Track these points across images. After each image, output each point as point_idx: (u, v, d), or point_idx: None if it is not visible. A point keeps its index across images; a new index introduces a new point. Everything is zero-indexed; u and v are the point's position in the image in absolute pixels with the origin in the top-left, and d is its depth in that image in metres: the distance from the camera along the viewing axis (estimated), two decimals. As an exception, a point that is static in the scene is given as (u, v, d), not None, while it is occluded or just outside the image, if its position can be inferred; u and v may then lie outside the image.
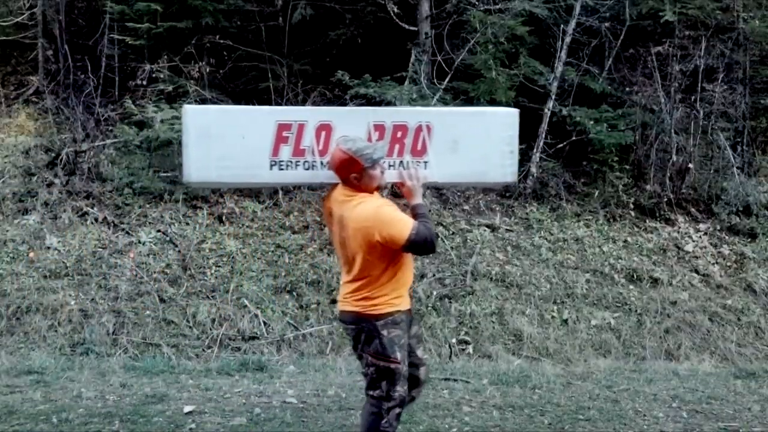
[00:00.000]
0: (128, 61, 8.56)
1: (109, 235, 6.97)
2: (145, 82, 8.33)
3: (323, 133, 3.39)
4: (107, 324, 6.18)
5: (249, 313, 6.43)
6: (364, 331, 3.28)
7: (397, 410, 3.33)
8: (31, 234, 6.89)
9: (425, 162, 3.50)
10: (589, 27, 8.45)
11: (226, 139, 3.34)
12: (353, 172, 3.25)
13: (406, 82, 8.10)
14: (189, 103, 7.84)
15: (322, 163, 3.40)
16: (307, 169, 3.40)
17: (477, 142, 3.55)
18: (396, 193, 3.70)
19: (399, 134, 3.46)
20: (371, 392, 3.34)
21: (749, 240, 8.00)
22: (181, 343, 6.14)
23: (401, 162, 3.47)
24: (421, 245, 3.18)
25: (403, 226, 3.16)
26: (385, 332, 3.25)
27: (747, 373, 6.18)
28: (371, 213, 3.19)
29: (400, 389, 3.32)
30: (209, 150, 3.34)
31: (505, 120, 3.66)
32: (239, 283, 6.67)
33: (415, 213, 3.30)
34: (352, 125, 3.41)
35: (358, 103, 7.79)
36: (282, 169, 3.39)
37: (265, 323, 6.39)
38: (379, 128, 3.45)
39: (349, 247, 3.27)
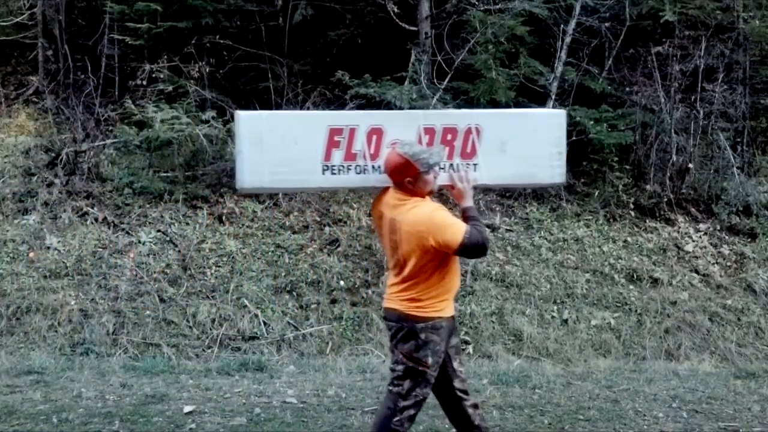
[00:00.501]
0: (128, 61, 8.56)
1: (109, 235, 6.97)
2: (145, 82, 8.33)
3: (374, 137, 3.42)
4: (107, 324, 6.18)
5: (249, 313, 6.43)
6: (403, 330, 3.31)
7: (412, 411, 3.35)
8: (31, 234, 6.89)
9: (475, 164, 3.53)
10: (589, 27, 8.45)
11: (278, 145, 3.37)
12: (408, 176, 3.28)
13: (406, 82, 8.10)
14: (189, 103, 7.86)
15: (373, 167, 3.43)
16: (359, 173, 3.43)
17: (525, 143, 3.58)
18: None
19: (449, 137, 3.49)
20: (392, 388, 3.38)
21: (749, 240, 8.00)
22: (181, 343, 6.14)
23: (451, 164, 3.49)
24: (474, 249, 3.23)
25: (457, 230, 3.19)
26: (423, 335, 3.29)
27: (747, 373, 6.17)
28: (426, 217, 3.22)
29: (420, 392, 3.35)
30: (262, 156, 3.36)
31: (553, 121, 3.70)
32: (239, 283, 6.68)
33: (466, 216, 3.34)
34: (402, 129, 3.44)
35: (357, 104, 7.80)
36: (334, 174, 3.42)
37: (265, 323, 6.39)
38: (429, 131, 3.47)
39: (401, 250, 3.29)
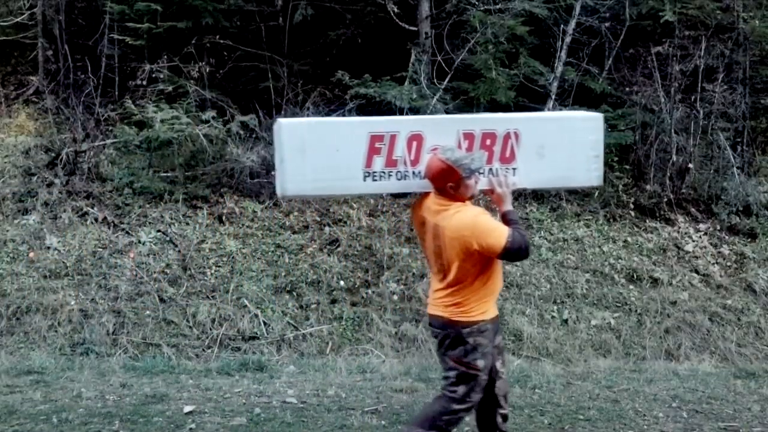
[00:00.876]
0: (128, 61, 8.55)
1: (109, 235, 6.97)
2: (145, 82, 8.33)
3: (414, 144, 3.45)
4: (107, 324, 6.18)
5: (249, 313, 6.43)
6: (450, 337, 3.35)
7: (462, 414, 3.42)
8: (31, 234, 6.89)
9: (514, 168, 3.55)
10: (589, 27, 8.45)
11: (320, 152, 3.39)
12: (450, 181, 3.31)
13: (406, 82, 8.10)
14: (189, 103, 7.86)
15: (414, 173, 3.45)
16: (400, 179, 3.46)
17: (563, 147, 3.61)
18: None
19: (488, 142, 3.52)
20: (446, 392, 3.43)
21: (749, 240, 8.00)
22: (181, 343, 6.14)
23: (490, 169, 3.52)
24: (516, 252, 3.27)
25: (500, 234, 3.23)
26: (470, 340, 3.33)
27: (747, 373, 6.17)
28: (469, 222, 3.26)
29: (475, 397, 3.40)
30: (304, 163, 3.38)
31: (590, 124, 3.72)
32: (239, 283, 6.68)
33: (506, 220, 3.39)
34: (442, 134, 3.46)
35: (357, 104, 7.81)
36: (375, 180, 3.45)
37: (265, 323, 6.39)
38: (469, 137, 3.49)
39: (444, 256, 3.33)
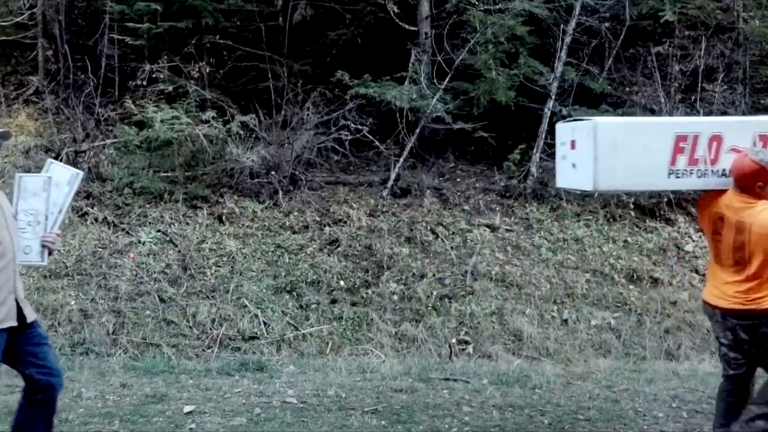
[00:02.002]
0: (128, 61, 8.57)
1: (109, 235, 6.97)
2: (145, 82, 8.33)
3: (714, 144, 3.65)
4: (107, 324, 6.18)
5: (249, 313, 6.43)
6: (762, 326, 3.56)
7: None
8: (31, 234, 6.88)
9: None
10: (589, 27, 8.46)
11: (630, 150, 3.61)
12: (761, 181, 3.53)
13: (406, 82, 8.11)
14: (189, 103, 7.87)
15: (712, 171, 3.66)
16: (700, 177, 3.67)
17: None
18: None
19: None
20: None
21: (749, 240, 7.99)
22: (181, 343, 6.14)
23: None
24: None
25: None
26: None
27: (747, 373, 6.17)
28: None
29: None
30: (617, 160, 3.60)
31: None
32: (239, 283, 6.67)
33: None
34: (739, 136, 3.67)
35: (357, 103, 7.81)
36: (678, 177, 3.67)
37: (265, 323, 6.39)
38: (764, 138, 3.69)
39: (747, 249, 3.55)
